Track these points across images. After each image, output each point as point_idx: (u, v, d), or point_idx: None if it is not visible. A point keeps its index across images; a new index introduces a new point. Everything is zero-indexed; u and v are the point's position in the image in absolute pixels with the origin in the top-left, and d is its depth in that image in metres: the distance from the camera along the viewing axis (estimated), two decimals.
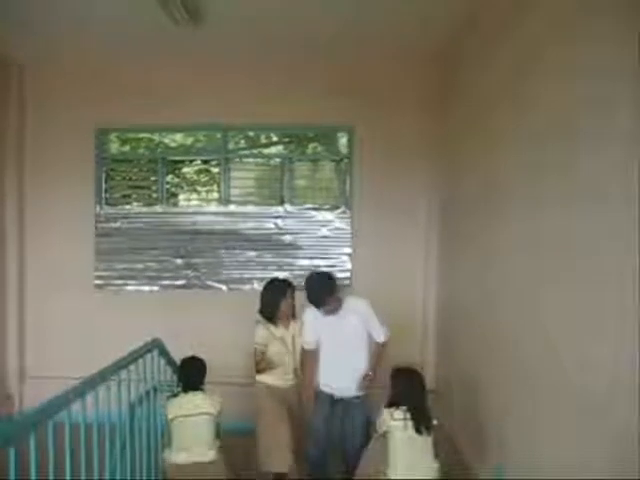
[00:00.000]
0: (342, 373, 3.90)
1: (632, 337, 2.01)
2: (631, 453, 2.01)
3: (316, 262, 5.52)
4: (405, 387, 3.45)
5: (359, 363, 3.88)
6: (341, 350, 3.91)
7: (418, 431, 3.29)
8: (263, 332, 4.06)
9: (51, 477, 2.30)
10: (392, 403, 3.43)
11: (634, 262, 2.00)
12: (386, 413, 3.39)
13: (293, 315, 4.20)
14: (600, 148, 2.30)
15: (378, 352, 3.94)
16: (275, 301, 4.08)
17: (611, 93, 2.21)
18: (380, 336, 3.90)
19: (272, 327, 4.09)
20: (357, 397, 3.89)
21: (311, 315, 3.99)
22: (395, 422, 3.32)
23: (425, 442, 3.33)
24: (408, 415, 3.32)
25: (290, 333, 4.14)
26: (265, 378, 4.06)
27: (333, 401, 3.95)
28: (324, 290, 3.82)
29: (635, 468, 1.98)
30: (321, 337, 4.00)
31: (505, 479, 3.37)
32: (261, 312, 4.12)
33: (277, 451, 3.87)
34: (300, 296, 3.96)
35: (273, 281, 4.23)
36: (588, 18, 2.43)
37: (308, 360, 4.05)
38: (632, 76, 2.04)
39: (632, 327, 2.01)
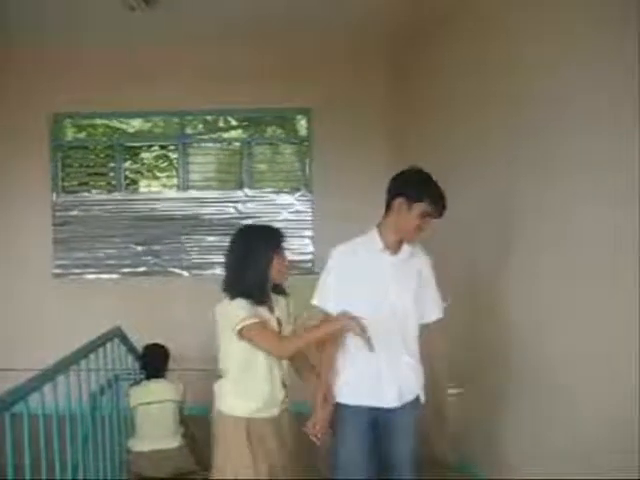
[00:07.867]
0: (393, 365, 2.34)
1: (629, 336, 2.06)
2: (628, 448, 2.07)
3: None
4: None
5: (414, 349, 2.41)
6: (393, 323, 2.33)
7: None
8: (246, 307, 2.33)
9: (10, 471, 2.28)
10: None
11: (631, 260, 2.02)
12: None
13: (278, 288, 2.53)
14: (598, 137, 2.29)
15: (433, 345, 2.58)
16: (264, 263, 2.38)
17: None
18: (435, 312, 2.45)
19: (259, 308, 2.38)
20: (413, 403, 2.41)
21: (341, 255, 2.42)
22: None
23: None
24: None
25: (274, 318, 2.44)
26: (237, 405, 2.41)
27: (372, 417, 2.38)
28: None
29: (632, 462, 2.04)
30: (351, 299, 2.28)
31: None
32: (241, 292, 2.37)
33: None
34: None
35: (252, 228, 2.73)
36: None
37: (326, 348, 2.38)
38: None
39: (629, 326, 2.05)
